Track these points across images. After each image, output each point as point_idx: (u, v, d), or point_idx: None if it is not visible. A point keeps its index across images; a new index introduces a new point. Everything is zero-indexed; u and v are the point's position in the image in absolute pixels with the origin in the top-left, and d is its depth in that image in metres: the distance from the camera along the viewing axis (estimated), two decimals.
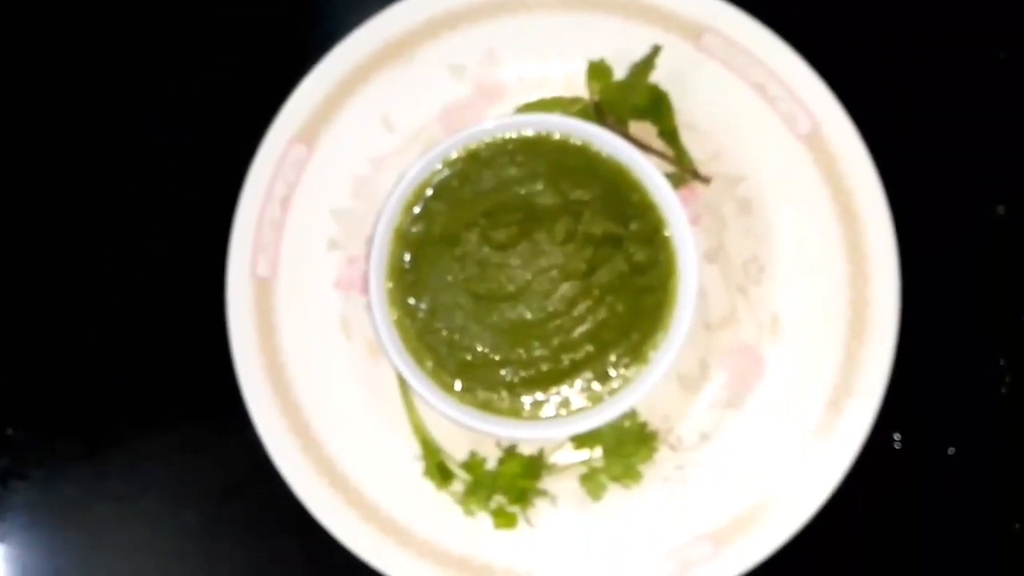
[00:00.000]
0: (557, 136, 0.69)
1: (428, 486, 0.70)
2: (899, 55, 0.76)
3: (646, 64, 0.71)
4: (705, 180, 0.72)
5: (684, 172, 0.72)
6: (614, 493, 0.70)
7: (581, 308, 0.68)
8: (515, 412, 0.68)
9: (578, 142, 0.69)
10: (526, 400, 0.69)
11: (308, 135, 0.72)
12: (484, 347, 0.68)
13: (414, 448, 0.71)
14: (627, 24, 0.72)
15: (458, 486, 0.70)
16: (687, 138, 0.72)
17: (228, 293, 0.71)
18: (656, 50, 0.70)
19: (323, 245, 0.72)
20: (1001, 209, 0.76)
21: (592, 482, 0.70)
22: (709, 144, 0.72)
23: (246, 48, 0.77)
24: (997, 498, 0.74)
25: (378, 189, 0.72)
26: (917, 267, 0.71)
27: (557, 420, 0.68)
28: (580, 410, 0.68)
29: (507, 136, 0.69)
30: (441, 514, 0.70)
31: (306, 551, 0.73)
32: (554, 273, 0.68)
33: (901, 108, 0.76)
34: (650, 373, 0.67)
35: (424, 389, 0.68)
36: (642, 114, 0.71)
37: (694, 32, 0.72)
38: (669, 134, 0.72)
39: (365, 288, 0.70)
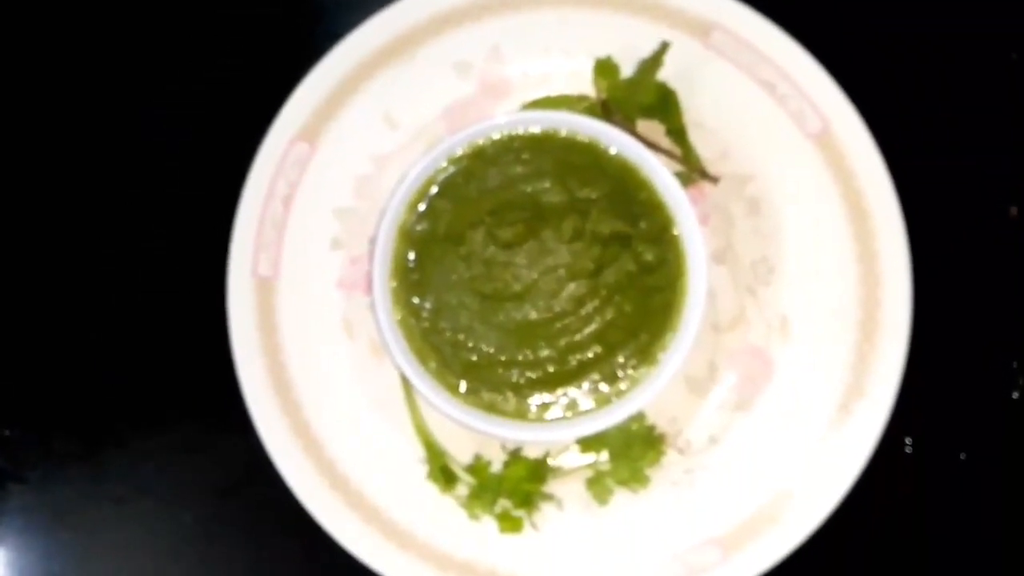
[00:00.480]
0: (564, 133, 0.69)
1: (431, 489, 0.70)
2: (909, 53, 0.76)
3: (654, 61, 0.70)
4: (713, 179, 0.71)
5: (692, 171, 0.71)
6: (621, 497, 0.70)
7: (588, 308, 0.68)
8: (521, 414, 0.68)
9: (585, 139, 0.69)
10: (532, 402, 0.68)
11: (310, 133, 0.72)
12: (489, 347, 0.68)
13: (417, 450, 0.71)
14: (634, 21, 0.72)
15: (462, 489, 0.70)
16: (695, 137, 0.71)
17: (229, 292, 0.70)
18: (664, 47, 0.70)
19: (326, 244, 0.72)
20: (1014, 210, 0.75)
21: (598, 486, 0.69)
22: (717, 143, 0.72)
23: (246, 48, 0.77)
24: (1010, 504, 0.74)
25: (381, 188, 0.72)
26: (928, 268, 0.70)
27: (564, 422, 0.68)
28: (587, 412, 0.68)
29: (513, 133, 0.69)
30: (445, 518, 0.70)
31: (306, 554, 0.72)
32: (561, 272, 0.68)
33: (912, 107, 0.75)
34: (659, 374, 0.67)
35: (428, 390, 0.67)
36: (649, 112, 0.71)
37: (702, 29, 0.71)
38: (677, 133, 0.71)
39: (368, 288, 0.70)
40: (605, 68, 0.71)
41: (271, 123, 0.71)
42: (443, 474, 0.70)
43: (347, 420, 0.71)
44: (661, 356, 0.68)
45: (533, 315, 0.68)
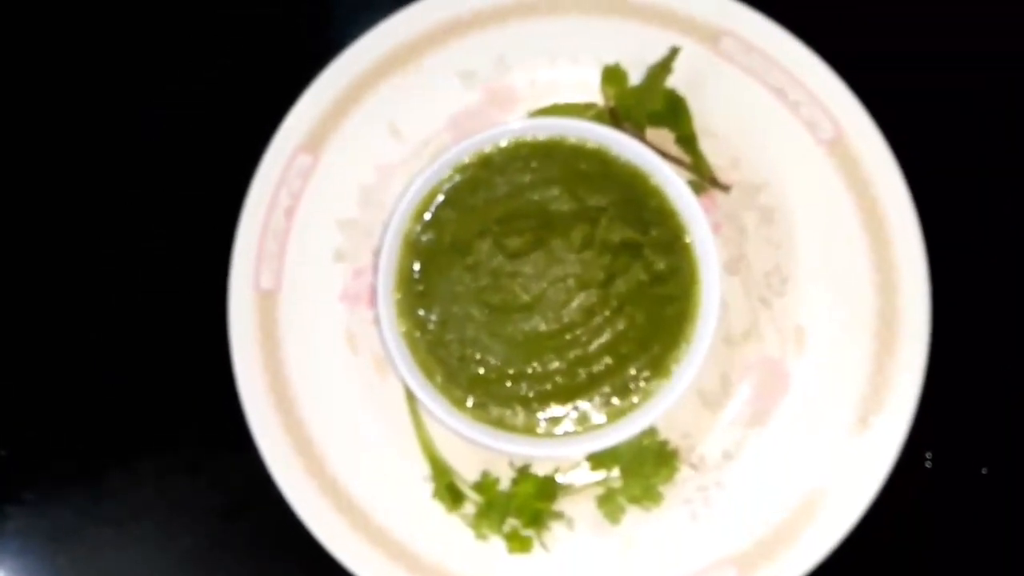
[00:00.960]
0: (572, 140, 0.69)
1: (438, 508, 0.69)
2: (924, 59, 0.75)
3: (663, 68, 0.70)
4: (724, 188, 0.71)
5: (703, 180, 0.71)
6: (633, 515, 0.69)
7: (599, 319, 0.67)
8: (530, 429, 0.67)
9: (594, 146, 0.68)
10: (541, 416, 0.67)
11: (313, 144, 0.72)
12: (497, 360, 0.67)
13: (423, 468, 0.70)
14: (642, 28, 0.71)
15: (469, 508, 0.69)
16: (705, 145, 0.71)
17: (230, 306, 0.70)
18: (674, 52, 0.70)
19: (329, 256, 0.72)
20: None
21: (610, 504, 0.69)
22: (728, 151, 0.71)
23: (246, 48, 0.78)
24: None
25: (385, 199, 0.72)
26: (947, 278, 0.69)
27: (574, 437, 0.67)
28: (598, 427, 0.67)
29: (521, 140, 0.68)
30: (452, 538, 0.69)
31: None
32: (570, 282, 0.67)
33: (927, 112, 0.75)
34: (672, 387, 0.66)
35: (434, 405, 0.66)
36: (659, 120, 0.71)
37: (712, 36, 0.71)
38: (687, 140, 0.71)
39: (372, 301, 0.70)
40: (613, 75, 0.71)
41: (273, 129, 0.71)
42: (449, 492, 0.69)
43: (351, 437, 0.70)
44: (674, 368, 0.67)
45: (542, 326, 0.67)
